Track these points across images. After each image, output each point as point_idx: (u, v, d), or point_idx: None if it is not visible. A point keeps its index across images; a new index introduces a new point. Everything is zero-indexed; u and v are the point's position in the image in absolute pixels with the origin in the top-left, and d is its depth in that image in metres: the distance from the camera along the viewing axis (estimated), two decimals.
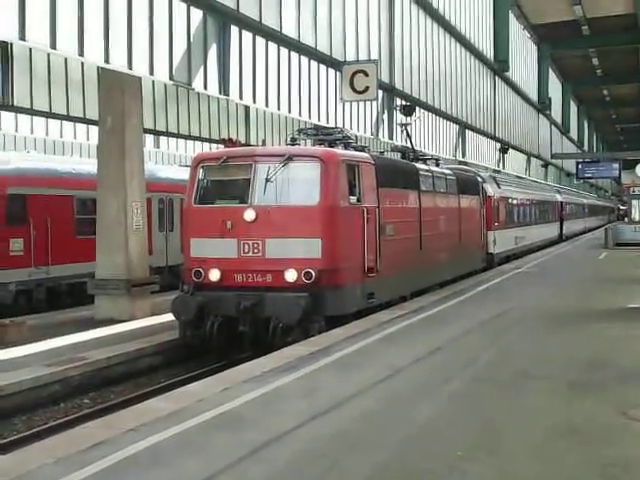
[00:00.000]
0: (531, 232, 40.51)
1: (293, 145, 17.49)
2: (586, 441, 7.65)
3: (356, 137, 22.93)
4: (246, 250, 14.96)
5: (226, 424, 8.46)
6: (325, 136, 17.87)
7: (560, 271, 28.71)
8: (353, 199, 15.93)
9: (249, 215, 14.89)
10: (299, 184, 15.44)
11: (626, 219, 50.27)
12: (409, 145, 24.91)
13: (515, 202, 37.29)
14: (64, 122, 31.20)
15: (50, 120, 31.00)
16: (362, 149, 18.53)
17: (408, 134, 25.74)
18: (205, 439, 7.88)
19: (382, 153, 22.86)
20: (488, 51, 46.61)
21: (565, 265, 31.82)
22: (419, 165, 21.85)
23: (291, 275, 14.62)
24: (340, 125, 25.69)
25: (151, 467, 7.02)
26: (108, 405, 12.69)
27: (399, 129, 26.89)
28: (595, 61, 67.33)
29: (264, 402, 9.40)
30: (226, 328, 14.79)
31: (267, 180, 15.10)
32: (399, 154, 23.01)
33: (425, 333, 14.50)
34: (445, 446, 7.58)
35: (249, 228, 14.96)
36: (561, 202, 55.56)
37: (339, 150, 16.68)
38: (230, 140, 17.81)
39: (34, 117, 30.18)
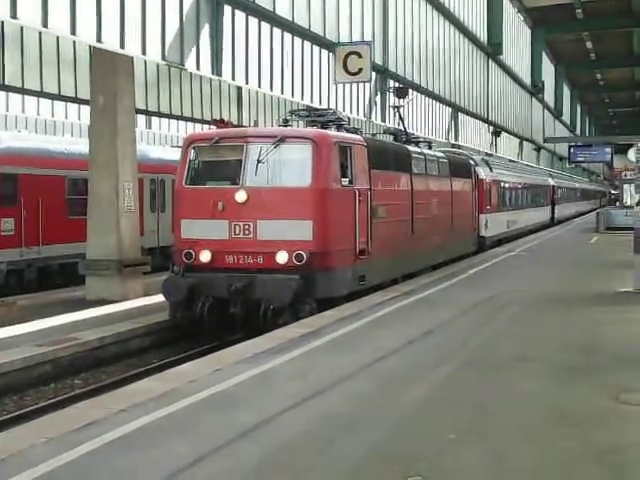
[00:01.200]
0: (523, 216, 40.50)
1: (285, 126, 17.33)
2: (578, 425, 7.67)
3: (349, 119, 22.95)
4: (237, 232, 14.90)
5: (218, 405, 8.47)
6: (317, 117, 17.75)
7: (552, 255, 28.77)
8: (345, 181, 15.85)
9: (240, 196, 14.80)
10: (291, 165, 15.36)
11: (617, 203, 50.32)
12: (402, 128, 24.85)
13: (507, 185, 37.20)
14: (55, 101, 31.08)
15: (41, 99, 30.84)
16: (355, 131, 18.44)
17: (400, 116, 25.69)
18: (196, 420, 7.90)
19: (374, 135, 22.68)
20: (482, 34, 46.52)
21: (557, 249, 31.86)
22: (411, 148, 21.74)
23: (282, 257, 14.54)
24: (333, 107, 25.64)
25: (142, 447, 7.02)
26: (99, 386, 12.68)
27: (392, 111, 26.79)
28: (589, 45, 67.16)
29: (256, 383, 9.42)
30: (217, 309, 14.71)
31: (259, 161, 15.00)
32: (392, 137, 22.91)
33: (417, 316, 14.50)
34: (437, 429, 7.58)
35: (240, 209, 14.88)
36: (553, 186, 55.60)
37: (331, 132, 16.63)
38: (222, 121, 17.76)
39: (25, 96, 30.04)
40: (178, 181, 16.01)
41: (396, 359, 10.75)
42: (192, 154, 15.81)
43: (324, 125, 17.19)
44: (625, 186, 46.81)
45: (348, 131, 17.84)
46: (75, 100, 26.71)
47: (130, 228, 19.09)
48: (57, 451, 6.84)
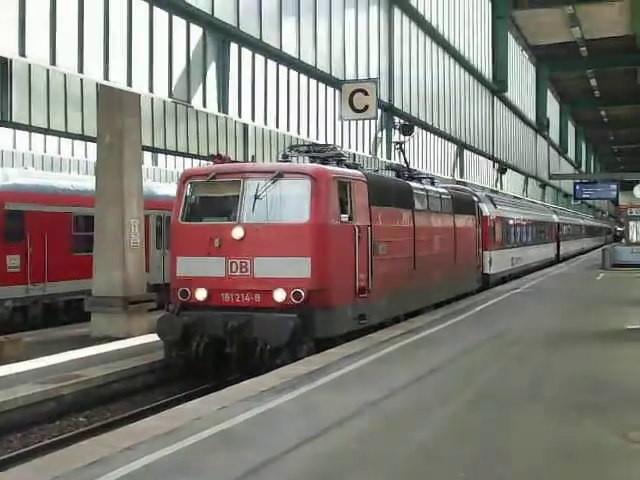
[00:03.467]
0: (528, 253, 40.42)
1: (285, 162, 17.15)
2: (587, 463, 7.62)
3: (354, 156, 22.94)
4: (234, 269, 14.64)
5: (223, 443, 8.42)
6: (317, 153, 17.47)
7: (557, 292, 28.68)
8: (344, 217, 15.61)
9: (237, 233, 14.59)
10: (289, 201, 15.14)
11: (623, 240, 50.24)
12: (404, 164, 24.78)
13: (512, 222, 37.17)
14: (62, 139, 31.20)
15: (48, 137, 30.99)
16: (355, 167, 18.20)
17: (403, 152, 25.73)
18: (202, 458, 7.85)
19: (377, 171, 22.55)
20: (487, 71, 46.74)
21: (562, 286, 31.75)
22: (413, 184, 21.46)
23: (280, 295, 14.29)
24: (339, 144, 25.72)
25: None
26: (104, 423, 12.63)
27: (402, 148, 26.72)
28: (593, 82, 67.48)
29: (262, 421, 9.36)
30: (213, 349, 14.39)
31: (256, 197, 14.82)
32: (394, 173, 22.59)
33: (423, 353, 14.45)
34: (445, 468, 7.54)
35: (237, 246, 14.64)
36: (558, 223, 55.64)
37: (330, 167, 16.33)
38: (219, 156, 17.53)
39: (32, 133, 30.17)
40: (174, 217, 15.78)
41: (402, 397, 10.70)
42: (188, 190, 15.67)
43: (324, 160, 16.93)
44: (631, 223, 46.82)
45: (348, 167, 17.58)
46: (82, 137, 26.82)
47: (136, 264, 19.14)
48: None
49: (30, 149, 34.03)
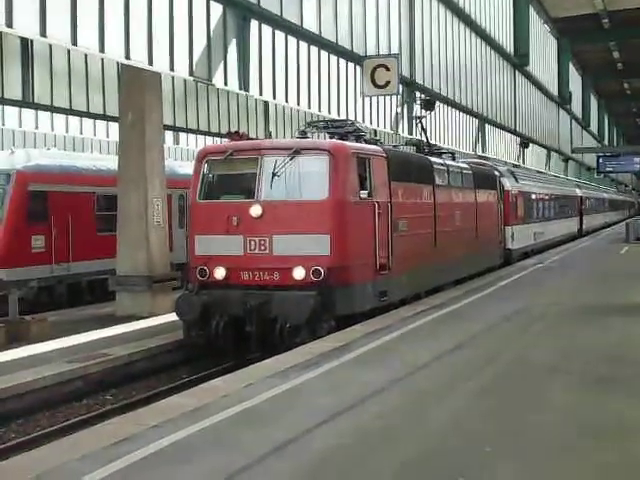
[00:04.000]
0: (550, 227, 40.11)
1: (303, 138, 17.03)
2: (615, 439, 7.59)
3: (375, 132, 22.79)
4: (252, 247, 14.47)
5: (250, 420, 8.46)
6: (336, 129, 17.38)
7: (581, 266, 28.54)
8: (364, 193, 15.38)
9: (255, 211, 14.40)
10: (307, 178, 14.81)
11: None
12: (424, 139, 24.53)
13: (534, 197, 36.83)
14: (84, 119, 31.21)
15: (70, 117, 31.02)
16: (374, 142, 17.98)
17: (423, 127, 25.53)
18: (229, 435, 7.90)
19: (396, 147, 22.39)
20: (508, 45, 46.40)
21: (586, 260, 31.61)
22: (433, 159, 21.10)
23: (299, 273, 14.12)
24: (360, 120, 25.63)
25: (176, 463, 7.03)
26: (131, 401, 12.72)
27: (422, 123, 26.52)
28: (616, 54, 66.76)
29: (288, 398, 9.40)
30: (232, 328, 14.26)
31: (274, 174, 14.63)
32: (414, 148, 22.44)
33: (447, 329, 14.41)
34: (472, 442, 7.55)
35: (255, 224, 14.46)
36: (581, 197, 55.28)
37: (349, 143, 16.11)
38: (236, 133, 17.27)
39: (54, 114, 30.23)
40: (192, 196, 15.70)
41: (427, 373, 10.71)
42: (206, 168, 15.52)
43: (343, 136, 16.84)
44: None
45: (368, 142, 17.45)
46: (104, 117, 26.85)
47: (159, 244, 19.20)
48: (92, 467, 6.85)
49: (52, 129, 34.06)
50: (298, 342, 13.32)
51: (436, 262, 19.46)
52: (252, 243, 14.45)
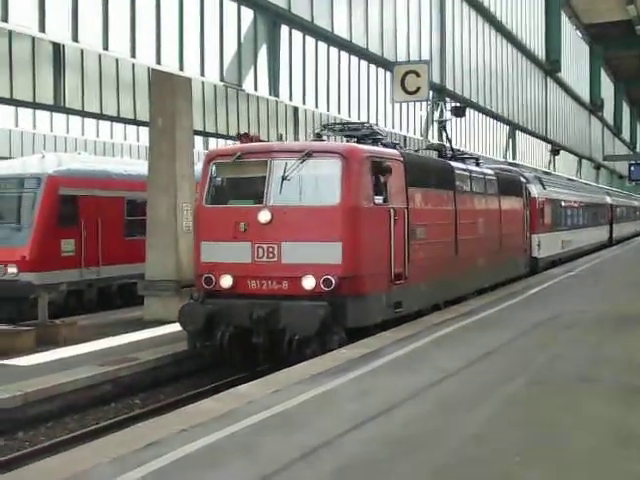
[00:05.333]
0: (579, 235, 39.61)
1: (318, 141, 16.53)
2: None
3: (405, 138, 22.71)
4: (260, 254, 13.87)
5: (278, 426, 8.45)
6: (352, 131, 16.78)
7: (612, 275, 28.33)
8: (379, 199, 14.70)
9: (264, 216, 13.77)
10: (319, 182, 14.33)
11: None
12: (446, 144, 24.17)
13: (562, 204, 36.34)
14: (115, 123, 31.46)
15: (101, 121, 31.28)
16: (393, 146, 17.26)
17: (445, 132, 25.40)
18: (258, 441, 7.87)
19: (417, 151, 21.84)
20: (540, 51, 46.28)
21: (617, 269, 31.39)
22: (455, 164, 20.55)
23: (309, 282, 13.50)
24: (390, 126, 25.63)
25: (204, 468, 7.04)
26: (159, 406, 12.76)
27: (445, 127, 26.39)
28: (632, 9, 66.15)
29: (315, 404, 9.39)
30: (239, 339, 13.72)
31: (284, 178, 13.99)
32: (436, 152, 22.01)
33: (477, 336, 14.33)
34: (501, 452, 7.50)
35: (264, 230, 13.86)
36: (611, 204, 54.86)
37: (364, 146, 15.46)
38: (246, 135, 16.92)
39: (85, 118, 30.47)
40: (198, 200, 15.25)
41: (457, 380, 10.67)
42: (213, 171, 14.90)
43: (360, 140, 16.22)
44: None
45: (386, 146, 16.82)
46: (134, 122, 27.10)
47: (188, 249, 19.19)
48: (121, 470, 6.88)
49: (83, 134, 34.33)
50: (308, 354, 12.86)
51: (457, 271, 18.93)
52: (260, 250, 13.88)
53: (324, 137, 16.79)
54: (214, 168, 14.85)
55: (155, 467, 7.02)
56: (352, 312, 13.71)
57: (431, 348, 13.11)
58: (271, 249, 13.78)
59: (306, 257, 13.65)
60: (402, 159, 16.00)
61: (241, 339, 13.62)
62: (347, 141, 16.02)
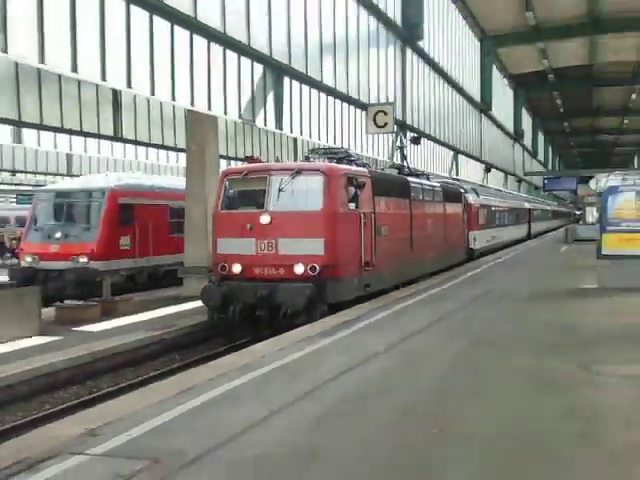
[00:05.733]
0: (505, 232, 39.27)
1: (306, 162, 16.29)
2: (557, 392, 7.57)
3: (376, 160, 22.69)
4: (262, 248, 13.74)
5: (284, 374, 8.49)
6: (332, 154, 16.59)
7: (530, 261, 28.34)
8: (352, 206, 14.57)
9: (265, 219, 13.70)
10: (306, 193, 13.94)
11: (581, 222, 49.59)
12: (404, 164, 23.84)
13: (492, 208, 35.77)
14: (160, 150, 31.42)
15: (150, 148, 31.23)
16: (363, 165, 17.08)
17: (404, 155, 25.26)
18: (269, 385, 7.93)
19: (383, 170, 21.61)
20: (476, 94, 46.33)
21: (534, 257, 31.39)
22: (410, 179, 20.12)
23: (299, 269, 13.40)
24: (365, 152, 25.65)
25: (228, 406, 7.07)
26: (193, 360, 12.77)
27: (404, 152, 26.33)
28: (558, 101, 66.45)
29: (312, 357, 9.42)
30: (246, 312, 13.55)
31: (280, 190, 13.87)
32: (396, 170, 21.53)
33: (430, 307, 14.27)
34: (451, 389, 7.59)
35: (265, 229, 13.72)
36: (529, 208, 54.90)
37: (340, 165, 15.27)
38: (252, 157, 17.11)
39: (138, 146, 30.44)
40: (215, 207, 14.89)
41: (417, 339, 10.67)
42: (227, 184, 14.70)
43: (338, 161, 15.93)
44: (587, 208, 46.16)
45: (358, 165, 16.52)
46: (174, 149, 27.10)
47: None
48: (166, 409, 6.90)
49: (136, 157, 34.30)
50: (298, 324, 12.63)
51: (412, 259, 18.70)
52: (262, 244, 13.77)
53: (311, 159, 16.44)
54: (227, 183, 14.72)
55: (192, 406, 7.04)
56: (331, 291, 13.53)
57: (397, 315, 13.09)
58: (270, 243, 13.69)
59: (297, 249, 13.55)
60: (370, 175, 15.81)
61: (248, 312, 13.48)
62: (329, 162, 15.69)
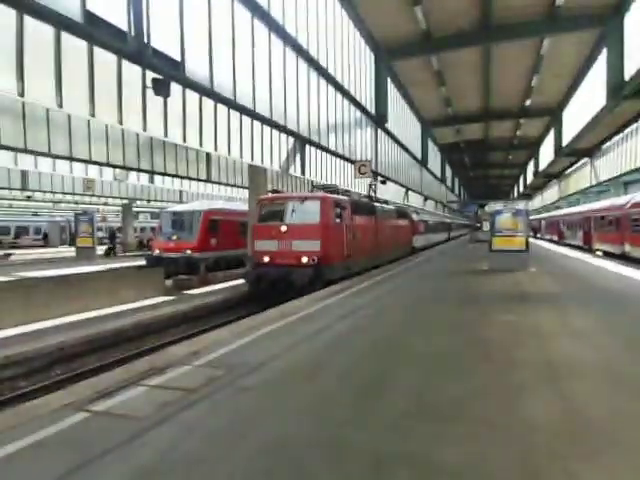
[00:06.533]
0: (434, 236, 39.18)
1: (312, 192, 16.03)
2: (467, 327, 7.54)
3: (359, 194, 22.48)
4: (282, 246, 13.17)
5: (305, 320, 8.43)
6: (326, 188, 16.48)
7: (449, 253, 28.17)
8: (338, 220, 14.09)
9: (284, 228, 13.20)
10: (309, 212, 13.37)
11: (479, 230, 49.23)
12: (373, 194, 23.97)
13: (427, 222, 36.00)
14: (234, 188, 31.38)
15: (228, 187, 31.19)
16: (347, 195, 16.73)
17: (374, 190, 25.02)
18: (296, 327, 7.89)
19: (360, 198, 20.80)
20: (419, 155, 46.08)
21: (451, 251, 31.19)
22: (376, 204, 20.00)
23: (305, 259, 12.92)
24: (352, 189, 25.49)
25: (267, 341, 7.02)
26: (251, 312, 12.49)
27: (374, 188, 26.16)
28: (466, 159, 65.39)
29: (322, 310, 9.37)
30: (271, 287, 12.96)
31: (293, 210, 13.43)
32: (367, 199, 21.27)
33: (392, 281, 14.11)
34: (403, 327, 7.54)
35: (283, 235, 13.18)
36: (449, 222, 54.50)
37: (331, 195, 14.70)
38: (276, 190, 16.80)
39: (220, 186, 30.42)
40: (254, 221, 14.41)
41: (384, 299, 10.60)
42: (260, 207, 14.18)
43: (330, 192, 15.55)
44: (484, 222, 45.74)
45: (343, 195, 16.04)
46: (243, 187, 27.05)
47: None
48: (238, 339, 6.85)
49: (219, 192, 34.18)
50: (304, 293, 12.10)
51: (376, 253, 18.34)
52: (282, 244, 13.18)
53: (315, 190, 16.16)
54: (260, 206, 14.35)
55: (252, 338, 7.03)
56: (325, 272, 13.00)
57: (374, 285, 12.95)
58: (287, 244, 13.14)
59: (303, 247, 13.04)
60: (349, 201, 15.43)
61: (272, 287, 12.93)
62: (324, 192, 15.33)
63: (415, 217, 29.91)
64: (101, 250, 31.18)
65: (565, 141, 37.89)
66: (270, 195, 15.38)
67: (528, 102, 37.36)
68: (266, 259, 13.31)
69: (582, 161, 46.61)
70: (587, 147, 40.24)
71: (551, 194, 67.26)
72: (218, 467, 3.65)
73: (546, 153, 49.19)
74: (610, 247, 25.15)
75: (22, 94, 8.71)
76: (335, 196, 15.09)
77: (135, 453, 3.82)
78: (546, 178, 63.04)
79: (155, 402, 4.74)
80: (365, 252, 16.39)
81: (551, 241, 45.43)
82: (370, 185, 26.39)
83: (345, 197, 15.99)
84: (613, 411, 4.39)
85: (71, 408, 4.68)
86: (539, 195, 79.64)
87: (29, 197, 31.82)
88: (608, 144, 37.19)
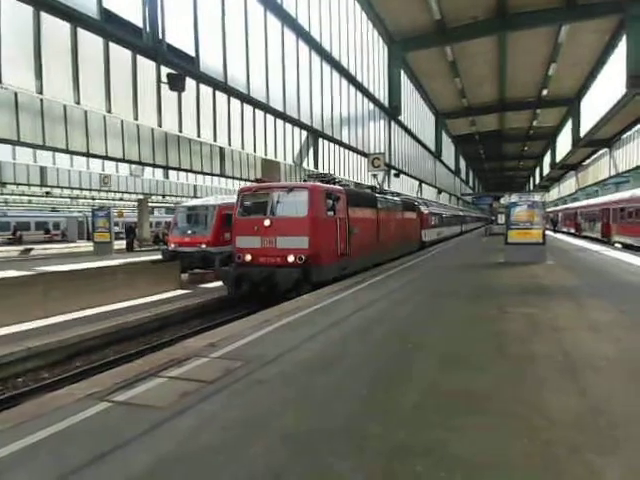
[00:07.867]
0: (445, 230, 38.06)
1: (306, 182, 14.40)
2: (483, 321, 7.54)
3: (372, 187, 22.33)
4: (265, 243, 11.82)
5: (320, 313, 8.48)
6: (322, 177, 14.83)
7: (462, 247, 28.00)
8: (331, 213, 12.46)
9: (267, 222, 11.79)
10: (296, 204, 11.89)
11: (495, 223, 48.77)
12: (377, 185, 23.54)
13: (438, 215, 34.70)
14: (247, 183, 31.49)
15: (241, 182, 31.35)
16: (343, 185, 15.12)
17: (378, 182, 24.92)
18: (313, 319, 7.95)
19: (359, 188, 19.77)
20: (433, 147, 45.78)
21: (465, 244, 30.96)
22: (378, 195, 17.52)
23: (290, 258, 11.57)
24: (368, 182, 25.46)
25: (287, 331, 7.10)
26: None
27: (378, 179, 25.95)
28: (481, 151, 64.60)
29: (335, 304, 9.40)
30: (253, 289, 11.72)
31: (278, 202, 11.98)
32: (370, 190, 19.64)
33: (403, 275, 14.09)
34: (418, 320, 7.57)
35: (267, 230, 11.81)
36: (462, 215, 53.94)
37: (321, 184, 13.03)
38: (260, 179, 15.65)
39: (235, 180, 30.58)
40: (234, 214, 12.73)
41: (397, 293, 10.62)
42: (242, 198, 12.57)
43: (325, 182, 13.92)
44: (498, 215, 45.32)
45: (340, 185, 14.33)
46: (256, 180, 27.05)
47: None
48: (252, 332, 6.94)
49: (233, 186, 34.28)
50: (289, 297, 10.89)
51: (378, 250, 16.63)
52: (265, 241, 11.83)
53: (308, 180, 14.59)
54: (242, 197, 12.88)
55: (266, 331, 7.09)
56: (314, 274, 11.59)
57: (385, 280, 12.94)
58: (271, 240, 11.79)
59: (289, 244, 11.69)
60: (345, 192, 13.85)
61: (254, 289, 11.69)
62: (319, 182, 13.65)
63: (424, 210, 28.48)
64: (118, 245, 31.56)
65: (583, 131, 37.18)
66: (253, 185, 13.64)
67: (545, 92, 36.75)
68: (248, 257, 11.98)
69: (600, 152, 45.81)
70: (606, 137, 39.53)
71: (568, 186, 66.32)
72: (238, 455, 3.74)
73: (563, 144, 48.35)
74: (630, 239, 24.74)
75: (41, 91, 8.85)
76: (327, 185, 13.28)
77: (157, 442, 3.92)
78: (563, 169, 62.06)
79: (175, 393, 4.85)
80: (364, 249, 14.75)
81: (568, 233, 44.82)
82: (375, 176, 25.57)
83: (340, 187, 14.02)
84: (633, 405, 4.33)
85: (94, 398, 4.80)
86: (556, 187, 78.51)
87: (48, 193, 32.31)
88: (628, 134, 36.50)
